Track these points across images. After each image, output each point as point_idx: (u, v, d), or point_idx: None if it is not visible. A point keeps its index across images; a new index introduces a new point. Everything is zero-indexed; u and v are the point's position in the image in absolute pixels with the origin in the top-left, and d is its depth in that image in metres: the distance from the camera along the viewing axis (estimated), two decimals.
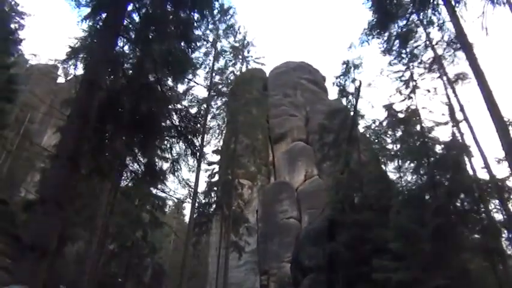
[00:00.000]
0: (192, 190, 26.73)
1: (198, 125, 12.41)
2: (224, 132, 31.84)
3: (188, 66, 10.97)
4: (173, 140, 10.99)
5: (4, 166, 38.98)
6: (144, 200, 33.74)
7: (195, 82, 23.41)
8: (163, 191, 28.05)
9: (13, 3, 27.31)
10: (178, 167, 13.69)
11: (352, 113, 19.83)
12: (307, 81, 53.40)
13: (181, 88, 25.87)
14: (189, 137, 10.74)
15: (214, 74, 28.86)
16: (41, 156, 35.09)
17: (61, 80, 60.86)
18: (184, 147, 11.48)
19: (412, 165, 19.52)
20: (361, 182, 17.93)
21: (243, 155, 33.08)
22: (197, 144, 11.86)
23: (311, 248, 18.99)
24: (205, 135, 27.87)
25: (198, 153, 11.97)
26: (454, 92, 23.76)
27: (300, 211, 37.80)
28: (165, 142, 11.53)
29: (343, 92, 20.94)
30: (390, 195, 17.26)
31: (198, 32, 12.39)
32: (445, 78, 24.89)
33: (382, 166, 20.45)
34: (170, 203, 75.94)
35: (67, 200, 6.37)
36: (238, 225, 31.40)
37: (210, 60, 28.15)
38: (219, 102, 30.37)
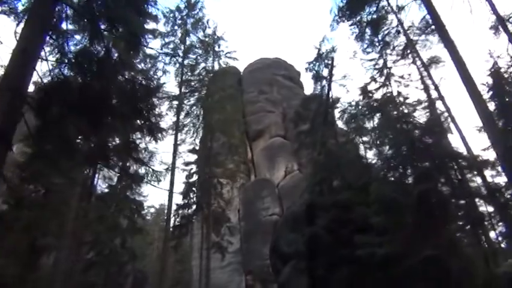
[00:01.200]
0: (168, 191, 25.72)
1: (155, 100, 11.56)
2: (200, 130, 31.00)
3: (140, 30, 10.08)
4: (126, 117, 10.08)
5: None
6: (121, 205, 32.67)
7: (155, 50, 22.42)
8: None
9: None
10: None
11: (326, 93, 19.29)
12: (283, 77, 52.98)
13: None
14: (144, 112, 9.93)
15: (185, 70, 28.04)
16: None
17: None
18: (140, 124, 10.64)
19: (390, 151, 19.15)
20: (338, 163, 17.34)
21: (220, 153, 32.33)
22: (153, 120, 11.03)
23: (290, 235, 18.05)
24: (179, 133, 27.00)
25: (154, 131, 11.14)
26: (429, 75, 23.61)
27: (282, 207, 37.17)
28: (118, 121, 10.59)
29: (316, 77, 20.42)
30: (369, 175, 16.75)
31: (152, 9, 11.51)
32: (418, 63, 24.76)
33: (360, 148, 20.03)
34: (152, 210, 75.47)
35: None
36: (219, 225, 30.59)
37: (179, 55, 27.34)
38: (192, 100, 29.53)
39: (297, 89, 51.71)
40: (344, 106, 21.44)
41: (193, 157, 33.78)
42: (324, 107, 18.82)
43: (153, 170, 17.19)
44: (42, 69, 7.32)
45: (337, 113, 21.06)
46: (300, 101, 21.38)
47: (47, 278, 26.51)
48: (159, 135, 11.57)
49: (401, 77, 24.03)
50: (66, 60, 7.98)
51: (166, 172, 25.96)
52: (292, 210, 19.55)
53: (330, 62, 20.14)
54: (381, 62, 24.79)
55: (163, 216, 54.86)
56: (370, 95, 20.00)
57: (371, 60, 24.17)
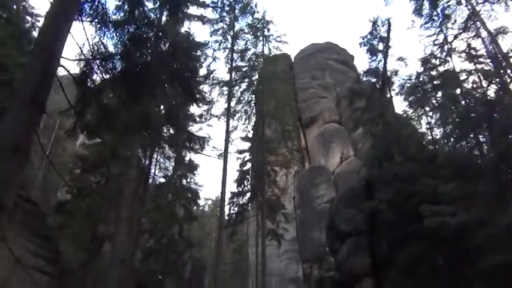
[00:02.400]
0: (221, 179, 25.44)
1: (196, 64, 11.10)
2: (252, 117, 30.55)
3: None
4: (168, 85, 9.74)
5: (39, 173, 39.31)
6: (177, 194, 33.17)
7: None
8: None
9: (26, 5, 27.05)
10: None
11: (383, 66, 17.99)
12: (335, 61, 51.41)
13: (202, 72, 24.78)
14: (186, 79, 9.53)
15: (235, 57, 27.64)
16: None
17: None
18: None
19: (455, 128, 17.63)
20: (398, 136, 16.07)
21: (273, 140, 31.70)
22: (195, 88, 10.59)
23: (347, 211, 16.99)
24: (231, 119, 26.68)
25: (195, 97, 10.69)
26: (496, 47, 21.59)
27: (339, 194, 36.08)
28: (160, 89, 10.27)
29: (371, 51, 19.17)
30: (434, 148, 15.39)
31: None
32: (484, 34, 22.69)
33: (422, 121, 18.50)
34: (209, 202, 76.76)
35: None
36: (274, 212, 30.06)
37: (229, 41, 26.99)
38: (243, 86, 29.08)
39: (351, 73, 49.86)
40: (403, 80, 19.92)
41: (246, 145, 33.53)
42: (381, 80, 17.59)
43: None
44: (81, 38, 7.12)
45: (395, 88, 19.60)
46: (355, 78, 20.05)
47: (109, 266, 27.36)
48: (201, 100, 10.97)
49: (465, 51, 22.19)
50: (106, 29, 7.72)
51: (219, 158, 25.90)
52: (349, 186, 18.46)
53: (386, 33, 18.80)
54: (441, 37, 23.02)
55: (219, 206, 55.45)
56: (431, 68, 18.46)
57: (430, 36, 22.48)
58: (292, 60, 53.30)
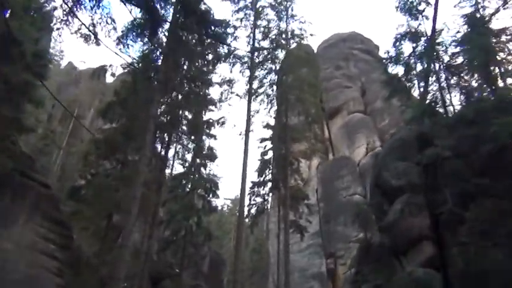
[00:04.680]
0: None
1: None
2: (274, 102, 29.00)
3: None
4: None
5: (56, 162, 38.72)
6: (196, 185, 31.96)
7: None
8: None
9: None
10: None
11: (432, 23, 16.01)
12: (360, 51, 49.63)
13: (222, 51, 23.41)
14: None
15: (258, 37, 26.19)
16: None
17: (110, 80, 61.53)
18: None
19: None
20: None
21: (296, 128, 30.09)
22: None
23: (398, 164, 14.73)
24: (253, 102, 25.19)
25: None
26: None
27: (365, 186, 34.21)
28: None
29: (412, 11, 17.33)
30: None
31: None
32: None
33: None
34: (228, 202, 75.72)
35: None
36: (297, 203, 28.42)
37: (251, 19, 25.55)
38: (265, 69, 27.56)
39: (376, 63, 48.00)
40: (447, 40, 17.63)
41: (268, 133, 32.08)
42: (431, 36, 15.63)
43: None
44: None
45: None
46: (392, 41, 18.07)
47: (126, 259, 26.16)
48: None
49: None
50: None
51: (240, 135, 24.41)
52: (398, 136, 16.11)
53: None
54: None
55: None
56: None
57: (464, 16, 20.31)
58: (315, 50, 51.61)
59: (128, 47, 19.50)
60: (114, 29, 17.61)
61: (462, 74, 15.67)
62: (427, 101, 15.08)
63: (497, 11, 20.79)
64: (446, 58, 16.62)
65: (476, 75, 15.46)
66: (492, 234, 10.15)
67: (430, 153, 12.16)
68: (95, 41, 17.07)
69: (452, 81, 15.94)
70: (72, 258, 23.16)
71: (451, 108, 15.90)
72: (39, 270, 19.33)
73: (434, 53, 16.15)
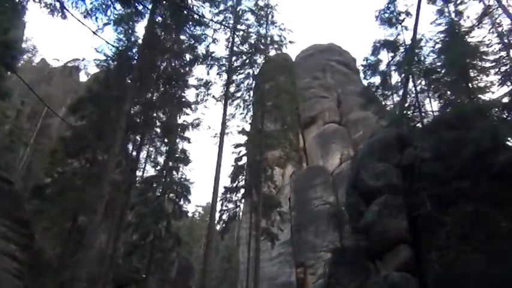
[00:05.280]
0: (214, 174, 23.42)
1: None
2: (250, 107, 28.76)
3: None
4: None
5: (22, 160, 37.28)
6: (167, 189, 31.29)
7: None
8: None
9: None
10: None
11: (414, 29, 16.12)
12: (337, 62, 50.11)
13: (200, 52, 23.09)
14: None
15: (237, 40, 25.97)
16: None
17: (83, 79, 60.21)
18: None
19: None
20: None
21: (271, 135, 29.88)
22: None
23: (377, 165, 14.41)
24: (229, 106, 24.89)
25: None
26: None
27: (337, 196, 34.22)
28: None
29: (392, 20, 17.44)
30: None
31: None
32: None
33: None
34: (200, 209, 74.85)
35: None
36: (269, 210, 28.14)
37: (230, 23, 25.33)
38: (243, 71, 27.33)
39: (353, 75, 48.64)
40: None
41: (242, 138, 31.79)
42: (412, 42, 15.68)
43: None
44: None
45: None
46: (370, 49, 18.04)
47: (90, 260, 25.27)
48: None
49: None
50: None
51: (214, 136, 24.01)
52: (377, 137, 15.85)
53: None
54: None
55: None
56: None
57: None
58: (294, 60, 51.86)
59: (96, 20, 18.63)
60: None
61: (441, 79, 15.87)
62: (406, 105, 15.17)
63: (471, 29, 21.22)
64: (425, 65, 16.77)
65: (454, 81, 15.66)
66: (472, 238, 10.05)
67: (409, 155, 12.09)
68: (61, 13, 16.11)
69: (431, 87, 16.12)
70: (33, 260, 22.12)
71: (430, 113, 16.07)
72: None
73: (415, 58, 16.30)
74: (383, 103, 17.36)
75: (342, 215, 14.96)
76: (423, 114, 15.86)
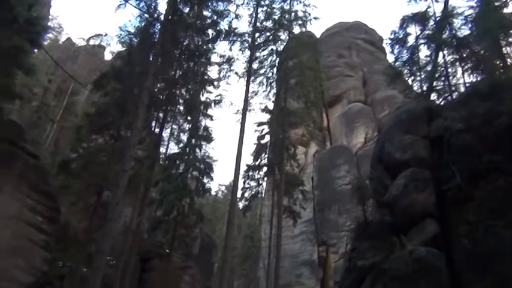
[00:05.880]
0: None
1: None
2: (274, 84, 28.42)
3: None
4: None
5: (49, 137, 38.15)
6: (190, 166, 31.44)
7: None
8: None
9: None
10: None
11: None
12: (363, 41, 48.93)
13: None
14: None
15: (259, 17, 25.50)
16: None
17: (108, 57, 60.83)
18: None
19: None
20: None
21: (295, 113, 29.52)
22: None
23: (404, 137, 13.95)
24: (251, 83, 24.59)
25: None
26: None
27: (361, 176, 33.81)
28: None
29: None
30: None
31: None
32: None
33: None
34: (223, 188, 75.39)
35: None
36: (292, 188, 28.04)
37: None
38: (266, 51, 26.94)
39: (379, 54, 47.46)
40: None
41: (265, 117, 31.54)
42: (443, 15, 14.92)
43: None
44: None
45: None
46: (399, 22, 17.19)
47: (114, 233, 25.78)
48: None
49: None
50: None
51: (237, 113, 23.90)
52: (405, 108, 15.35)
53: None
54: None
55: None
56: None
57: None
58: (318, 38, 50.89)
59: None
60: None
61: (473, 50, 15.10)
62: (436, 76, 14.55)
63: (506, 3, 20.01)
64: (456, 36, 15.94)
65: (487, 52, 14.90)
66: (503, 213, 9.56)
67: (439, 126, 11.52)
68: None
69: (462, 58, 15.36)
70: (60, 233, 22.76)
71: (460, 86, 15.39)
72: (25, 241, 18.90)
73: (446, 30, 15.55)
74: (410, 82, 16.78)
75: (366, 188, 14.52)
76: (453, 87, 15.20)
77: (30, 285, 19.28)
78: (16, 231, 18.51)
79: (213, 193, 65.24)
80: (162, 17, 21.60)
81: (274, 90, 28.55)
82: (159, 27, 21.44)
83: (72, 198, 23.25)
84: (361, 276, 11.18)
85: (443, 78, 15.24)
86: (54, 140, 38.87)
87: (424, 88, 16.52)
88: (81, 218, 26.25)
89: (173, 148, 34.44)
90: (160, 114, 26.40)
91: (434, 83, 15.31)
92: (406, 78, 19.14)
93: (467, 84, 14.97)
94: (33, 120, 34.14)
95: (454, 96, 14.80)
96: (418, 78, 17.08)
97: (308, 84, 26.88)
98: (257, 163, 30.43)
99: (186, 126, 31.19)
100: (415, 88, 18.21)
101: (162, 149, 34.17)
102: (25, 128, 23.91)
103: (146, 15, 22.58)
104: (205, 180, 32.03)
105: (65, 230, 23.90)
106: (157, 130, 26.98)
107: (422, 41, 16.49)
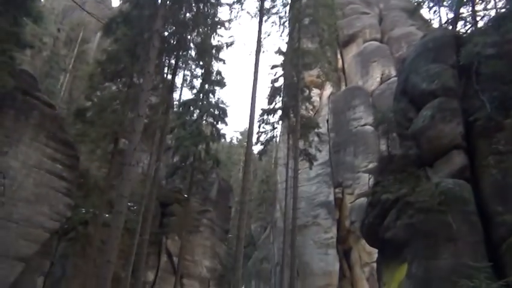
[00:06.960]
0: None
1: None
2: (286, 24, 27.42)
3: None
4: None
5: (63, 86, 38.04)
6: (204, 111, 31.29)
7: None
8: None
9: None
10: None
11: None
12: None
13: None
14: None
15: None
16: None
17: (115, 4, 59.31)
18: None
19: None
20: None
21: (309, 54, 28.63)
22: None
23: (431, 66, 13.39)
24: (263, 23, 23.68)
25: None
26: None
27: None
28: None
29: None
30: None
31: None
32: None
33: None
34: (238, 134, 75.46)
35: None
36: (307, 131, 27.82)
37: None
38: None
39: None
40: None
41: (279, 59, 30.78)
42: None
43: None
44: None
45: None
46: None
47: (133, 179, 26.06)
48: None
49: None
50: None
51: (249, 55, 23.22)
52: (434, 35, 14.63)
53: None
54: None
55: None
56: None
57: None
58: None
59: None
60: None
61: None
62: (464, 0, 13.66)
63: None
64: None
65: None
66: None
67: (468, 53, 10.85)
68: None
69: None
70: (80, 180, 23.19)
71: (489, 12, 14.50)
72: (48, 189, 19.33)
73: None
74: (431, 15, 15.85)
75: (389, 122, 14.11)
76: (483, 12, 14.32)
77: (55, 230, 19.96)
78: (38, 180, 18.87)
79: (227, 139, 65.75)
80: None
81: (287, 31, 27.58)
82: None
83: (89, 146, 23.45)
84: (385, 210, 11.13)
85: (470, 4, 14.31)
86: (69, 89, 38.76)
87: (450, 16, 15.59)
88: (99, 165, 26.71)
89: (187, 94, 34.30)
90: (172, 61, 25.89)
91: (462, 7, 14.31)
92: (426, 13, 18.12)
93: (498, 10, 14.09)
94: (45, 70, 33.87)
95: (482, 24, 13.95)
96: (441, 8, 16.11)
97: (323, 23, 25.83)
98: (272, 107, 30.10)
99: (199, 71, 30.71)
100: (435, 23, 17.27)
101: (176, 96, 33.95)
102: (38, 78, 23.70)
103: None
104: (219, 126, 32.13)
105: (84, 177, 24.33)
106: (169, 77, 26.61)
107: None
